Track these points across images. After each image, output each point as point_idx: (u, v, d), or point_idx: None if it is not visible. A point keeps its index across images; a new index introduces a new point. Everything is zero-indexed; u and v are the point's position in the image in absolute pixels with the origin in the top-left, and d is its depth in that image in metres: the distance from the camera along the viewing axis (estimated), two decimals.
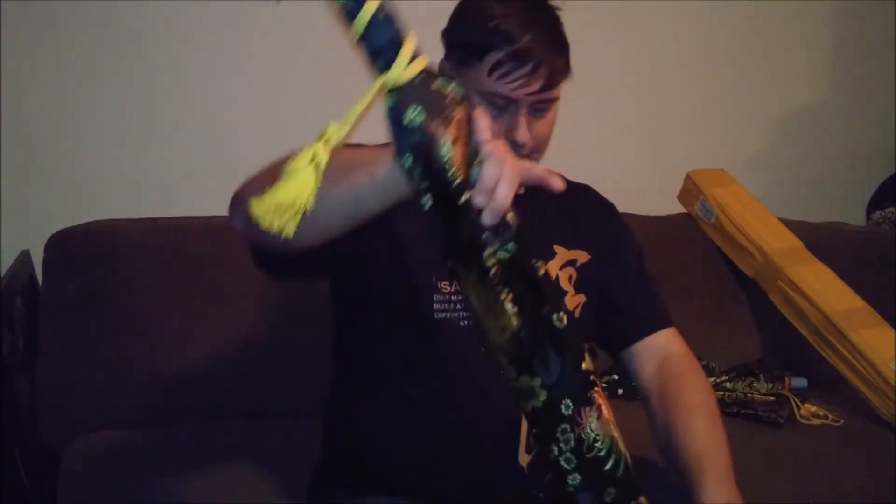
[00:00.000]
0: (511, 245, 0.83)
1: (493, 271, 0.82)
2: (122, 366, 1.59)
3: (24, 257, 1.70)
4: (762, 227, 2.04)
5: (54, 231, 1.62)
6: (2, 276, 1.63)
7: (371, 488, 1.17)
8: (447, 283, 1.16)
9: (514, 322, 0.84)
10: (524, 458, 1.14)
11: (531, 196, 1.30)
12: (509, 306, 0.83)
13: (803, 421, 1.77)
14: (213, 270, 1.66)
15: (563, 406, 0.88)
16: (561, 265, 1.26)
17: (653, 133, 2.29)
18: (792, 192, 2.42)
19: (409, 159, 0.78)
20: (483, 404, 1.14)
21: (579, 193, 1.37)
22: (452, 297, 1.16)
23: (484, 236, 0.81)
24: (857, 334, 1.83)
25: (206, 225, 1.70)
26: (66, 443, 1.51)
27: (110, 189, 1.84)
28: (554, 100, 1.16)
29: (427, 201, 0.80)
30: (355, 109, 0.80)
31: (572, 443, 0.88)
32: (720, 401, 1.80)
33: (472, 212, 0.79)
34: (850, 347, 1.83)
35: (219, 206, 1.75)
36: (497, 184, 0.79)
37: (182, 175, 1.89)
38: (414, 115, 0.77)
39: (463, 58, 1.15)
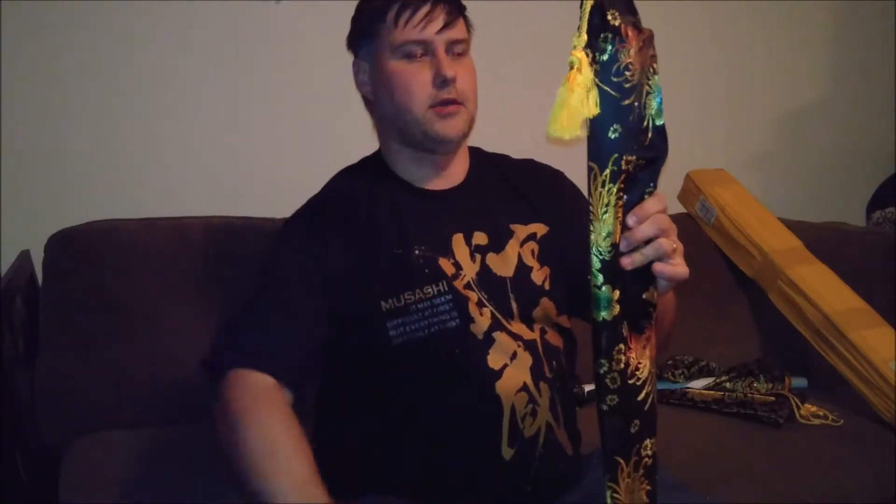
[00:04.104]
0: (640, 160, 0.91)
1: (622, 177, 0.90)
2: (122, 366, 1.58)
3: (24, 257, 1.70)
4: (762, 227, 2.04)
5: (54, 231, 1.62)
6: (2, 276, 1.63)
7: (362, 488, 1.20)
8: (421, 289, 1.20)
9: (618, 231, 0.92)
10: (507, 453, 1.16)
11: (481, 180, 1.32)
12: (619, 214, 0.92)
13: (803, 421, 1.77)
14: (213, 270, 1.66)
15: (623, 327, 0.93)
16: (521, 242, 1.27)
17: None
18: (792, 192, 2.42)
19: (607, 37, 0.88)
20: (463, 402, 1.17)
21: (525, 168, 1.39)
22: (429, 301, 1.19)
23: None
24: (857, 334, 1.83)
25: (206, 225, 1.70)
26: (66, 443, 1.51)
27: (110, 189, 1.84)
28: (464, 40, 1.24)
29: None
30: (584, 10, 0.89)
31: (622, 364, 0.93)
32: (720, 401, 1.81)
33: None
34: (850, 347, 1.83)
35: (219, 206, 1.76)
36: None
37: (182, 175, 1.89)
38: (613, 17, 0.89)
39: (369, 31, 1.24)
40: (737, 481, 1.54)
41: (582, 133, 0.88)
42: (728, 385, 1.84)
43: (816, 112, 2.50)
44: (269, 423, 1.08)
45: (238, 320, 1.23)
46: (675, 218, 2.36)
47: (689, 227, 2.10)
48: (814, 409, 1.79)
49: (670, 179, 2.18)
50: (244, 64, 1.91)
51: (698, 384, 1.86)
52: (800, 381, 1.90)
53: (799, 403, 1.79)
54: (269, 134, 1.95)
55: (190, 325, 1.62)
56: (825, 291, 1.92)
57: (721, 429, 1.73)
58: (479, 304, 1.21)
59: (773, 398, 1.80)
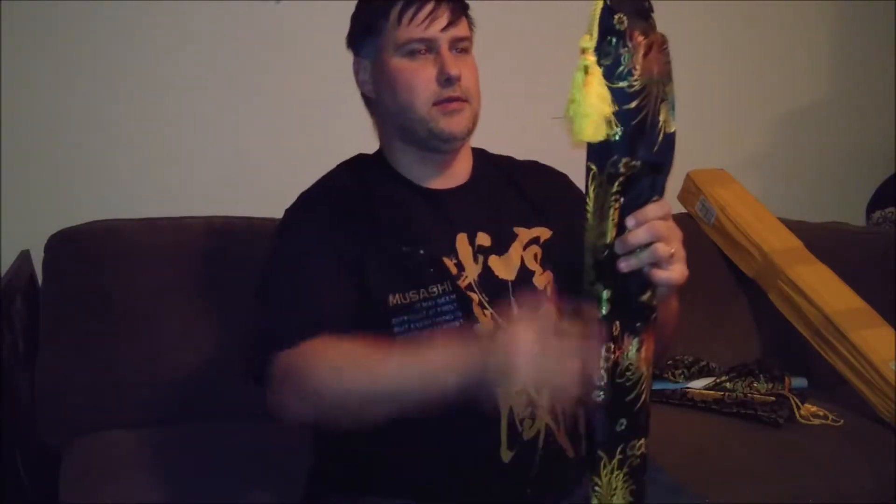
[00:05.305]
0: (640, 163, 0.92)
1: (619, 180, 0.91)
2: (122, 366, 1.59)
3: (24, 257, 1.70)
4: (762, 227, 2.04)
5: (54, 231, 1.62)
6: (2, 276, 1.63)
7: (362, 488, 1.20)
8: (426, 288, 1.19)
9: (612, 233, 0.93)
10: (506, 455, 1.16)
11: (485, 181, 1.31)
12: (614, 216, 0.93)
13: (803, 421, 1.77)
14: (213, 270, 1.67)
15: (613, 326, 0.94)
16: (524, 245, 1.27)
17: None
18: (792, 192, 2.42)
19: (612, 41, 0.88)
20: (463, 405, 1.15)
21: (530, 170, 1.38)
22: (433, 301, 1.18)
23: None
24: (857, 334, 1.83)
25: (206, 225, 1.70)
26: (66, 443, 1.51)
27: (110, 189, 1.84)
28: (468, 38, 1.25)
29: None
30: (593, 13, 0.89)
31: (610, 362, 0.94)
32: (720, 401, 1.81)
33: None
34: (850, 347, 1.83)
35: (219, 207, 1.76)
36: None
37: (182, 175, 1.89)
38: (619, 21, 0.88)
39: (372, 28, 1.24)
40: (737, 481, 1.54)
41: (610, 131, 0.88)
42: (728, 385, 1.84)
43: (816, 112, 2.50)
44: (354, 352, 1.06)
45: (267, 309, 1.21)
46: (675, 218, 2.36)
47: (689, 227, 2.10)
48: (814, 409, 1.79)
49: (670, 179, 2.17)
50: (244, 64, 1.90)
51: (698, 384, 1.86)
52: (800, 381, 1.90)
53: (799, 403, 1.79)
54: (270, 134, 1.95)
55: (190, 325, 1.63)
56: (825, 291, 1.92)
57: (721, 429, 1.73)
58: (481, 306, 1.20)
59: (773, 398, 1.80)
